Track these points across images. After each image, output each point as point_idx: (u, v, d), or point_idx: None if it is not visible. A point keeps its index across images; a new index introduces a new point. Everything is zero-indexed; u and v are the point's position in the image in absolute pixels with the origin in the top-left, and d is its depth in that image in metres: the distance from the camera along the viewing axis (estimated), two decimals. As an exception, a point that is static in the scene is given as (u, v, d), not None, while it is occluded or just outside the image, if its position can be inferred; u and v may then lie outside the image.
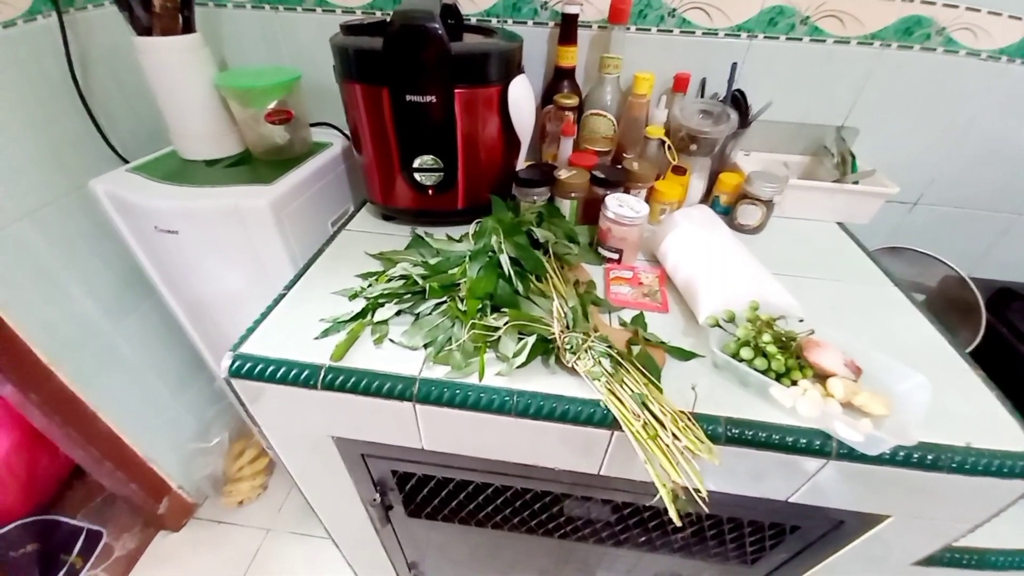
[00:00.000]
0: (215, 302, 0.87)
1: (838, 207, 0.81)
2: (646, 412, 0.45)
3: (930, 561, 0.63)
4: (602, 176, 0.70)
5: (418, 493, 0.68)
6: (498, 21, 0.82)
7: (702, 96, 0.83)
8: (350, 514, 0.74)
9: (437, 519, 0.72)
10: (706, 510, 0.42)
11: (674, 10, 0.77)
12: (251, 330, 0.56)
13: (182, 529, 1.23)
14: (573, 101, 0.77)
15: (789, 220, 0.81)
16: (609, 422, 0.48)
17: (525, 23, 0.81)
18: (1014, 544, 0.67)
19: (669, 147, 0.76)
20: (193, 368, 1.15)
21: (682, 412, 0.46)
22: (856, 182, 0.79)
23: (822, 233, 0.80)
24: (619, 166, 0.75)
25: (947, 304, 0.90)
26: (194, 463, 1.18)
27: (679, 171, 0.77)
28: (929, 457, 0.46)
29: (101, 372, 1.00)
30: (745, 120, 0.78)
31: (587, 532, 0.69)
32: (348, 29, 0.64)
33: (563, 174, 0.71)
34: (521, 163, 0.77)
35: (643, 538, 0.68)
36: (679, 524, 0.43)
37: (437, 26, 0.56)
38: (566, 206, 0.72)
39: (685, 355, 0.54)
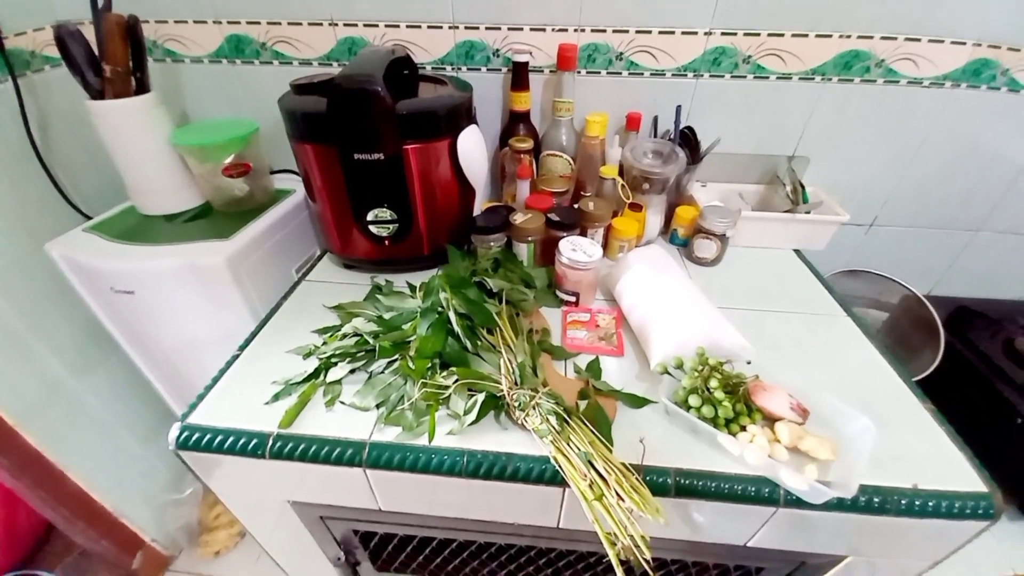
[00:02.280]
0: (178, 354, 0.86)
1: (793, 235, 0.82)
2: (592, 471, 0.45)
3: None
4: (557, 219, 0.71)
5: (383, 549, 0.67)
6: (452, 68, 0.83)
7: (655, 133, 0.85)
8: (319, 572, 0.72)
9: (406, 572, 0.71)
10: (651, 572, 0.42)
11: (621, 54, 0.79)
12: (201, 397, 0.55)
13: (158, 583, 1.19)
14: (527, 144, 0.78)
15: (747, 249, 0.82)
16: (560, 480, 0.48)
17: (479, 69, 0.83)
18: (988, 571, 0.67)
19: (623, 186, 0.77)
20: (163, 417, 1.12)
21: (628, 470, 0.46)
22: (807, 212, 0.80)
23: (779, 262, 0.81)
24: (575, 206, 0.76)
25: (909, 323, 0.91)
26: (167, 514, 1.15)
27: (635, 208, 0.78)
28: (876, 500, 0.46)
29: (69, 429, 0.98)
30: (695, 156, 0.80)
31: (557, 580, 0.68)
32: (298, 88, 0.66)
33: (519, 219, 0.71)
34: (479, 206, 0.78)
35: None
36: (628, 585, 0.42)
37: (379, 88, 0.57)
38: (523, 250, 0.72)
39: (638, 402, 0.54)
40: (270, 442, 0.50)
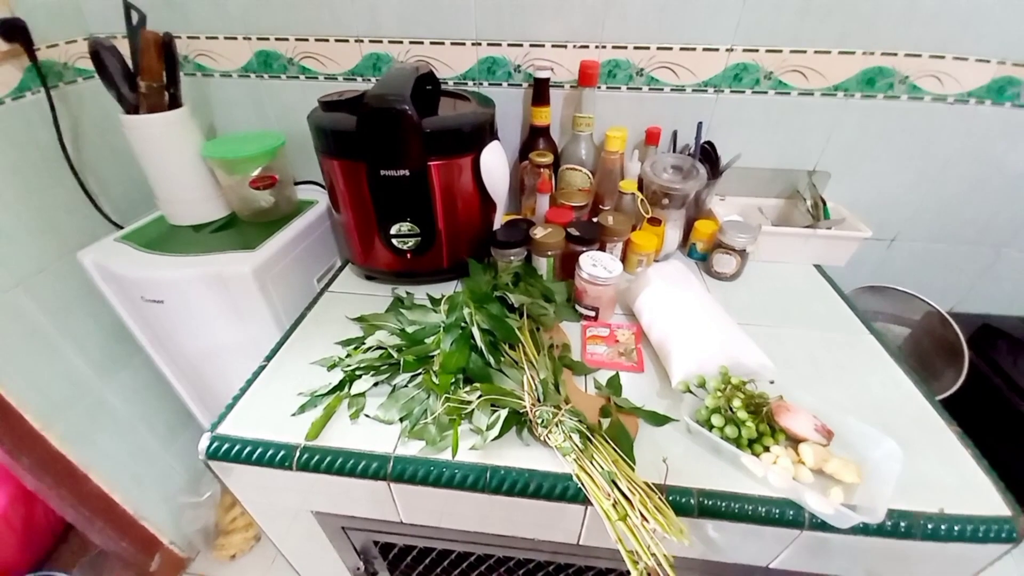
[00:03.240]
0: (202, 360, 0.88)
1: (814, 251, 0.82)
2: (615, 490, 0.45)
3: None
4: (577, 233, 0.72)
5: (402, 560, 0.68)
6: (474, 84, 0.85)
7: (674, 148, 0.85)
8: (336, 579, 0.73)
9: (423, 583, 0.72)
10: (677, 594, 0.42)
11: (642, 70, 0.80)
12: (230, 407, 0.56)
13: (174, 584, 1.21)
14: (548, 159, 0.79)
15: (767, 264, 0.82)
16: (582, 498, 0.48)
17: (500, 85, 0.84)
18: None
19: (642, 201, 0.77)
20: (183, 420, 1.15)
21: (652, 489, 0.46)
22: (828, 227, 0.80)
23: (799, 277, 0.81)
24: (594, 220, 0.77)
25: (932, 340, 0.90)
26: (185, 517, 1.17)
27: (654, 222, 0.78)
28: (902, 525, 0.46)
29: (92, 429, 1.00)
30: (715, 171, 0.80)
31: (574, 594, 0.68)
32: (326, 105, 0.67)
33: (539, 233, 0.72)
34: (499, 220, 0.79)
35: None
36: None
37: (408, 108, 0.58)
38: (543, 264, 0.73)
39: (659, 420, 0.55)
40: (297, 454, 0.51)
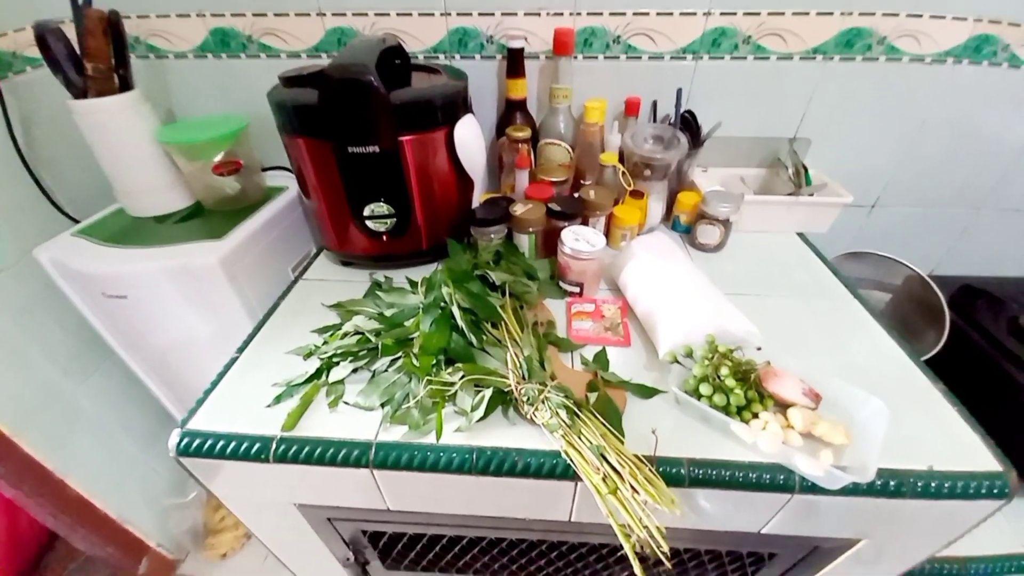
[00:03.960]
0: (175, 356, 0.85)
1: (796, 219, 0.81)
2: (605, 464, 0.44)
3: (911, 574, 0.63)
4: (558, 209, 0.70)
5: (393, 548, 0.66)
6: (445, 57, 0.81)
7: (655, 118, 0.83)
8: (328, 572, 0.71)
9: (416, 570, 0.70)
10: (668, 565, 0.41)
11: (619, 37, 0.77)
12: (200, 401, 0.54)
13: (165, 587, 1.19)
14: (525, 133, 0.76)
15: (750, 234, 0.81)
16: (572, 474, 0.47)
17: (473, 58, 0.81)
18: (995, 550, 0.67)
19: (624, 173, 0.75)
20: (161, 420, 1.11)
21: (641, 461, 0.45)
22: (811, 194, 0.79)
23: (783, 246, 0.80)
24: (576, 195, 0.75)
25: (913, 303, 0.90)
26: (172, 519, 1.14)
27: (637, 195, 0.77)
28: (892, 484, 0.46)
29: (67, 436, 0.96)
30: (697, 140, 0.79)
31: (570, 572, 0.68)
32: (287, 81, 0.63)
33: (519, 209, 0.70)
34: (477, 198, 0.76)
35: (625, 574, 0.67)
36: (643, 578, 0.42)
37: (372, 78, 0.55)
38: (524, 241, 0.71)
39: (647, 392, 0.54)
40: (274, 446, 0.49)
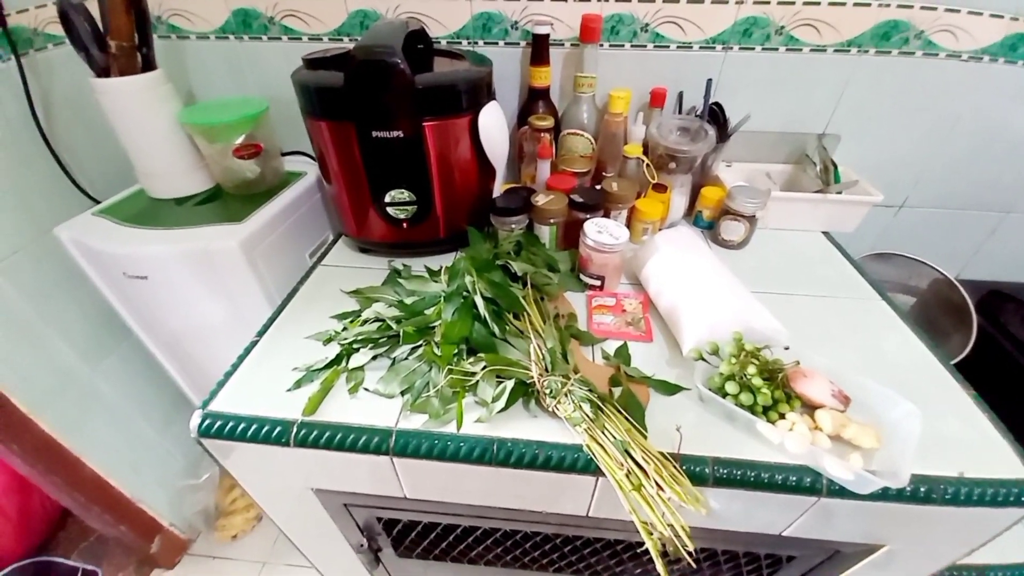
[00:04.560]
0: (192, 340, 0.85)
1: (823, 217, 0.79)
2: (629, 460, 0.43)
3: (930, 580, 0.62)
4: (580, 200, 0.69)
5: (406, 536, 0.66)
6: (469, 43, 0.80)
7: (680, 110, 0.81)
8: (340, 557, 0.72)
9: (428, 559, 0.71)
10: (692, 563, 0.41)
11: (647, 25, 0.76)
12: (221, 384, 0.54)
13: (176, 566, 1.21)
14: (548, 123, 0.75)
15: (774, 232, 0.80)
16: (593, 469, 0.46)
17: (496, 44, 0.80)
18: (1017, 558, 0.66)
19: (648, 165, 0.74)
20: (177, 403, 1.12)
21: (666, 458, 0.44)
22: (840, 192, 0.77)
23: (808, 244, 0.78)
24: (598, 187, 0.74)
25: (939, 307, 0.89)
26: (185, 499, 1.16)
27: (660, 188, 0.75)
28: (922, 490, 0.45)
29: (83, 416, 0.97)
30: (724, 134, 0.77)
31: (582, 567, 0.68)
32: (310, 63, 0.63)
33: (540, 200, 0.69)
34: (498, 188, 0.75)
35: (639, 571, 0.67)
36: (665, 575, 0.41)
37: (399, 60, 0.54)
38: (545, 232, 0.70)
39: (670, 389, 0.53)
40: (294, 430, 0.49)
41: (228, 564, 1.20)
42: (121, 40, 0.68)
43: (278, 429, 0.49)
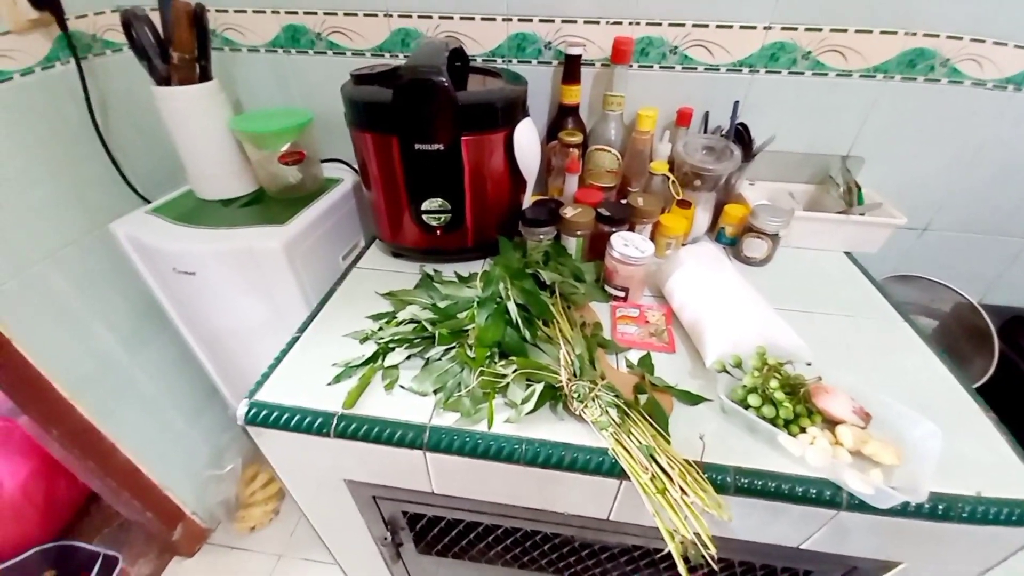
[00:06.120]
0: (230, 336, 0.89)
1: (846, 237, 0.81)
2: (654, 464, 0.45)
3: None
4: (607, 214, 0.71)
5: (429, 532, 0.69)
6: (503, 61, 0.84)
7: (705, 129, 0.84)
8: (361, 549, 0.74)
9: (448, 556, 0.73)
10: (715, 567, 0.42)
11: (676, 47, 0.78)
12: (266, 375, 0.57)
13: (195, 555, 1.24)
14: (577, 138, 0.78)
15: (797, 250, 0.81)
16: (618, 472, 0.48)
17: (530, 62, 0.83)
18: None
19: (673, 182, 0.76)
20: (207, 395, 1.16)
21: (690, 464, 0.46)
22: (863, 213, 0.78)
23: (830, 264, 0.80)
24: (624, 201, 0.76)
25: (961, 331, 0.89)
26: (208, 489, 1.19)
27: (684, 204, 0.77)
28: (940, 507, 0.46)
29: (120, 404, 1.02)
30: (748, 154, 0.79)
31: (598, 572, 0.69)
32: (358, 79, 0.67)
33: (569, 212, 0.72)
34: (527, 199, 0.78)
35: (654, 578, 0.68)
36: (688, 578, 0.43)
37: (444, 80, 0.58)
38: (572, 244, 0.72)
39: (693, 399, 0.54)
40: (335, 421, 0.52)
41: (245, 555, 1.23)
42: (183, 52, 0.73)
43: (320, 420, 0.52)
